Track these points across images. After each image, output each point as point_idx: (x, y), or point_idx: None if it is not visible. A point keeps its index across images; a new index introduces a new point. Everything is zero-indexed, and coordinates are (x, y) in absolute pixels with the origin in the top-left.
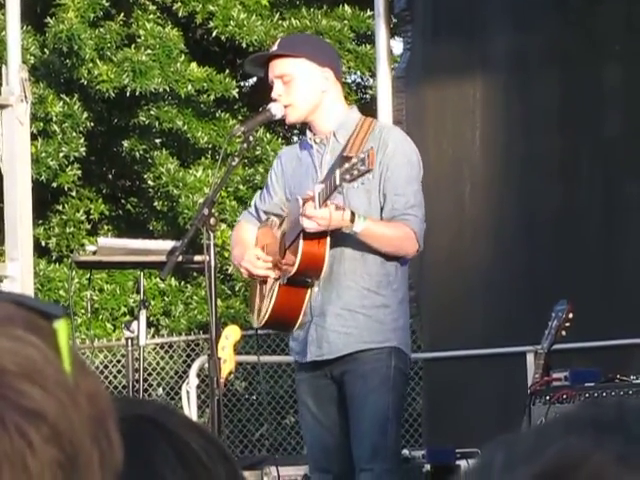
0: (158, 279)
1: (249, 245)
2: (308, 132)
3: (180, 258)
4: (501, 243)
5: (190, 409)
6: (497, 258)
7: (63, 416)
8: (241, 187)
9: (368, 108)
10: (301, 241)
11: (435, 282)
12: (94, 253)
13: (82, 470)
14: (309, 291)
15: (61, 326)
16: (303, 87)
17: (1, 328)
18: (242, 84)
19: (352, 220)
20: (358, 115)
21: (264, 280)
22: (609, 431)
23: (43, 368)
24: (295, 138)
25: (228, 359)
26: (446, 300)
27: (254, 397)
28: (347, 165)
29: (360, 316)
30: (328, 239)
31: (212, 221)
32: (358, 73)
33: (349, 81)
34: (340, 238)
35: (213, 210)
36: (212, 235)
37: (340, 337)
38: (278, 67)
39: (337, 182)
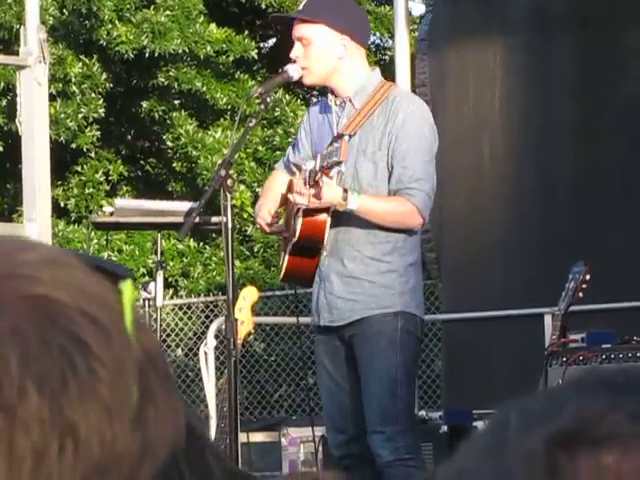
0: (177, 240)
1: (271, 197)
2: (330, 94)
3: (197, 219)
4: (520, 205)
5: (208, 370)
6: (516, 220)
7: (109, 351)
8: (260, 148)
9: (387, 69)
10: (300, 218)
11: (454, 244)
12: (111, 214)
13: (125, 413)
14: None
15: (126, 287)
16: (319, 52)
17: (60, 267)
18: (261, 45)
19: (346, 198)
20: (379, 79)
21: (285, 236)
22: (621, 391)
23: (97, 306)
24: (314, 99)
25: (246, 320)
26: (465, 262)
27: (272, 358)
28: (327, 151)
29: (365, 283)
30: (329, 218)
31: (229, 182)
32: (377, 34)
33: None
34: (344, 212)
35: (231, 171)
36: (229, 196)
37: (347, 303)
38: (298, 30)
39: (317, 169)
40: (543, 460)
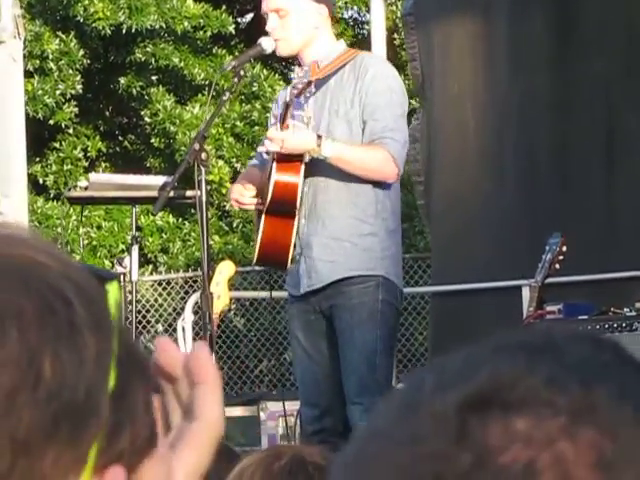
0: (152, 215)
1: (244, 180)
2: (297, 68)
3: (172, 193)
4: (501, 178)
5: (185, 345)
6: (497, 193)
7: (92, 316)
8: (238, 123)
9: (365, 43)
10: (274, 169)
11: (440, 217)
12: (86, 189)
13: (103, 378)
14: (295, 223)
15: (112, 287)
16: (297, 22)
17: (54, 254)
18: (239, 20)
19: (320, 144)
20: (343, 47)
21: (260, 215)
22: (539, 354)
23: (84, 280)
24: (292, 74)
25: (222, 294)
26: (450, 235)
27: (252, 333)
28: (295, 80)
29: (347, 244)
30: (302, 166)
31: (203, 156)
32: (355, 8)
33: (346, 17)
34: (322, 168)
35: (206, 145)
36: (204, 170)
37: (327, 265)
38: (273, 1)
39: (287, 99)
40: (453, 423)
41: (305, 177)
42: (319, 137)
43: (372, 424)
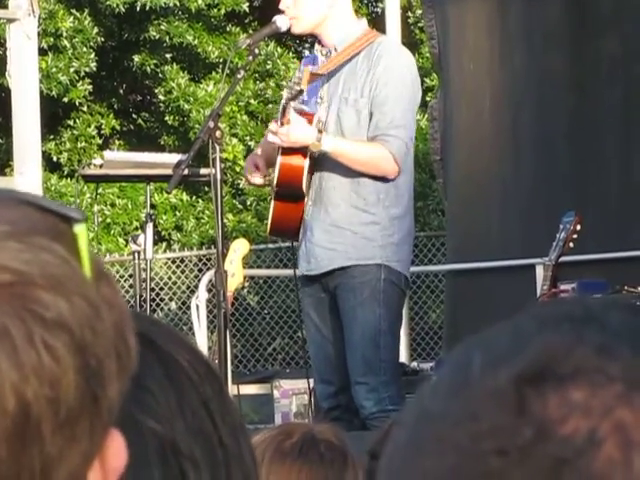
0: (167, 193)
1: (258, 154)
2: (317, 45)
3: (186, 171)
4: (518, 156)
5: (200, 323)
6: (512, 173)
7: (88, 328)
8: (252, 101)
9: (379, 21)
10: (279, 157)
11: (457, 196)
12: (101, 166)
13: (104, 381)
14: (305, 205)
15: (81, 231)
16: (310, 1)
17: (27, 238)
18: None
19: (320, 139)
20: (364, 28)
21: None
22: (583, 324)
23: (69, 280)
24: (306, 52)
25: (236, 272)
26: (466, 214)
27: (266, 311)
28: (292, 82)
29: (347, 232)
30: (307, 162)
31: (218, 134)
32: None
33: None
34: (328, 157)
35: (220, 123)
36: (218, 148)
37: (326, 252)
38: None
39: (283, 101)
40: (511, 399)
41: (313, 165)
42: (319, 132)
43: (420, 406)
